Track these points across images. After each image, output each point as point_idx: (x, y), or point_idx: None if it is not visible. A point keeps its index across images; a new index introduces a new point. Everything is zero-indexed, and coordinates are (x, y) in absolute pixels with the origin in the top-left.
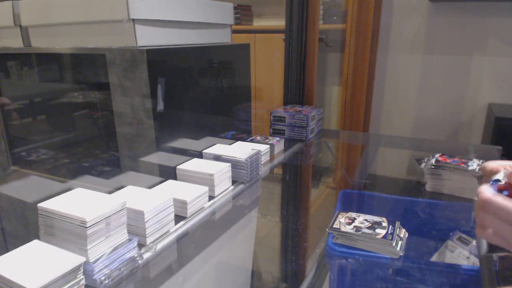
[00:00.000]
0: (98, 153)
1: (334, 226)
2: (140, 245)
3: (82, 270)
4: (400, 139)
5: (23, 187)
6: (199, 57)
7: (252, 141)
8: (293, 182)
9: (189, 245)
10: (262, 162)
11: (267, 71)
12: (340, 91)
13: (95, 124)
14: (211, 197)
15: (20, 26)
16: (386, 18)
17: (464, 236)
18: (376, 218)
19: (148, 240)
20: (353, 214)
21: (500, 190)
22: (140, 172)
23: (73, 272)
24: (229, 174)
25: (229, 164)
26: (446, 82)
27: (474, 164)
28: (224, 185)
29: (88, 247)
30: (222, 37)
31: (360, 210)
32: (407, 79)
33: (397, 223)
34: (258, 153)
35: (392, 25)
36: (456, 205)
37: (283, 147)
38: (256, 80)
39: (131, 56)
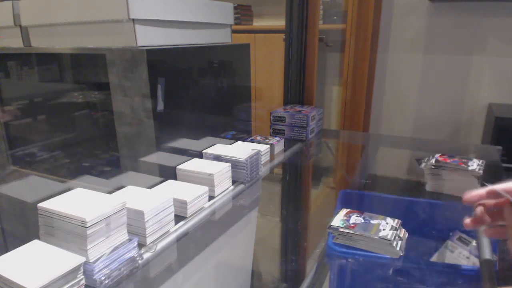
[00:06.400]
0: (98, 153)
1: (333, 226)
2: (140, 245)
3: (82, 270)
4: (400, 139)
5: (23, 187)
6: (199, 57)
7: (252, 141)
8: (293, 182)
9: (189, 245)
10: (262, 162)
11: (267, 71)
12: (340, 91)
13: (95, 124)
14: (211, 197)
15: (20, 26)
16: (386, 18)
17: (464, 236)
18: (376, 218)
19: (148, 240)
20: (353, 214)
21: None
22: (140, 172)
23: (73, 272)
24: (229, 174)
25: (229, 164)
26: (446, 82)
27: (474, 164)
28: (224, 185)
29: (88, 247)
30: (222, 37)
31: (360, 210)
32: (407, 79)
33: (397, 223)
34: (258, 153)
35: (392, 25)
36: (456, 205)
37: (283, 147)
38: (256, 80)
39: (131, 56)
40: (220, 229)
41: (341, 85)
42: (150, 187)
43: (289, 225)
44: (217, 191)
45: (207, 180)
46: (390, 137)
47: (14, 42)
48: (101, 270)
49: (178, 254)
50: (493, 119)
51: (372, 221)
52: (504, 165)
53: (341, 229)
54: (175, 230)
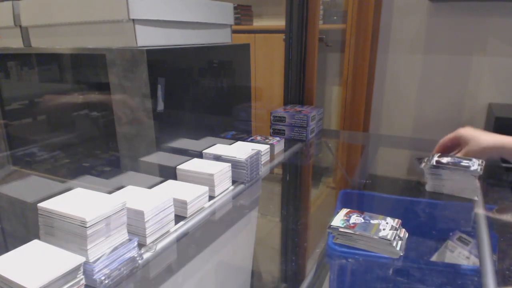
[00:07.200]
0: (98, 153)
1: (333, 226)
2: (140, 245)
3: (82, 270)
4: (400, 139)
5: (23, 187)
6: (199, 57)
7: (252, 141)
8: (293, 182)
9: (189, 245)
10: (262, 162)
11: (267, 71)
12: (340, 91)
13: (95, 124)
14: (211, 197)
15: (20, 26)
16: (386, 18)
17: (464, 236)
18: (376, 218)
19: (148, 240)
20: (353, 214)
21: None
22: (140, 172)
23: (73, 272)
24: (229, 174)
25: (229, 164)
26: (446, 82)
27: (474, 164)
28: (224, 185)
29: (88, 247)
30: (222, 37)
31: (360, 210)
32: (407, 79)
33: (397, 223)
34: (258, 153)
35: (392, 25)
36: (456, 205)
37: (283, 147)
38: (256, 80)
39: (131, 56)
40: (220, 229)
41: (341, 85)
42: (150, 187)
43: (289, 225)
44: (217, 191)
45: (207, 180)
46: (390, 137)
47: (14, 42)
48: (101, 270)
49: (178, 254)
50: (493, 119)
51: (372, 221)
52: (504, 165)
53: (341, 229)
54: (175, 230)
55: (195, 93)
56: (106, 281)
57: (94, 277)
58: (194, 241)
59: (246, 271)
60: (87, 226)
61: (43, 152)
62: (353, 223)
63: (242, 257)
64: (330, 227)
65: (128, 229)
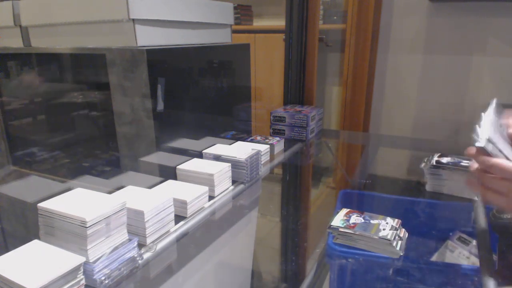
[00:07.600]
0: (98, 153)
1: (333, 226)
2: (140, 245)
3: (82, 270)
4: (400, 139)
5: (23, 187)
6: (199, 57)
7: (252, 141)
8: (293, 182)
9: (189, 245)
10: (262, 162)
11: (267, 71)
12: (340, 91)
13: (95, 124)
14: (211, 197)
15: (20, 26)
16: (386, 18)
17: (464, 236)
18: (376, 218)
19: (148, 240)
20: (353, 214)
21: None
22: (140, 172)
23: (73, 272)
24: (229, 174)
25: (229, 164)
26: (446, 82)
27: (474, 164)
28: (224, 185)
29: (88, 247)
30: (222, 37)
31: (360, 210)
32: (407, 79)
33: (397, 223)
34: (258, 153)
35: (392, 25)
36: (456, 205)
37: (283, 147)
38: (256, 80)
39: (131, 56)
40: (220, 229)
41: (341, 85)
42: (150, 187)
43: (289, 225)
44: (217, 191)
45: (207, 180)
46: (390, 137)
47: (14, 42)
48: (101, 270)
49: (178, 254)
50: None
51: (372, 221)
52: None
53: (341, 229)
54: (175, 230)
55: (195, 93)
56: (106, 281)
57: (94, 277)
58: (194, 241)
59: (246, 271)
60: (87, 226)
61: (43, 152)
62: (353, 223)
63: (242, 257)
64: (330, 227)
65: (128, 229)
